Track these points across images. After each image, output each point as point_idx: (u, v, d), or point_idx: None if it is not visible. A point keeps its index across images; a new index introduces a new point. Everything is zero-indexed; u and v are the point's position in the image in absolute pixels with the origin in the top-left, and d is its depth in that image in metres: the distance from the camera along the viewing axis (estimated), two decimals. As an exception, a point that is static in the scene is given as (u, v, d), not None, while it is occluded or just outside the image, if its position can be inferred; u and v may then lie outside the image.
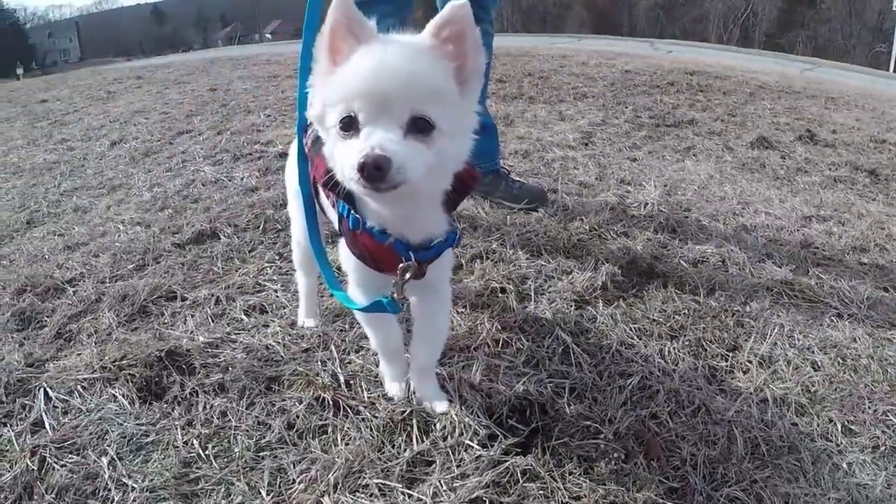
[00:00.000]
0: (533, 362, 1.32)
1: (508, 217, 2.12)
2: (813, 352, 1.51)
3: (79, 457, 1.13)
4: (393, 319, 1.14)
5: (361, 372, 1.26)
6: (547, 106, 4.35)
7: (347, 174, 0.80)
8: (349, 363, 1.30)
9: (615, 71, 5.75)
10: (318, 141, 1.01)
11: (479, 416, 1.08)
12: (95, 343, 1.48)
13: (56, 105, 4.88)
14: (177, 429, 1.18)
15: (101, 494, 1.04)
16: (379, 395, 1.20)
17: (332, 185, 0.88)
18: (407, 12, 1.99)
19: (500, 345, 1.36)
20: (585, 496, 0.96)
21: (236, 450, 1.12)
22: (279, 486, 1.02)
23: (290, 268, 1.69)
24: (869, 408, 1.33)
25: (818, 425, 1.27)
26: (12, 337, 1.54)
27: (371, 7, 0.95)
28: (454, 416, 1.10)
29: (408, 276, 0.94)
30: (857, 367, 1.47)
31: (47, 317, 1.62)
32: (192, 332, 1.48)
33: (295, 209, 1.33)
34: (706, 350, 1.49)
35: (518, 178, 2.37)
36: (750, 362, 1.44)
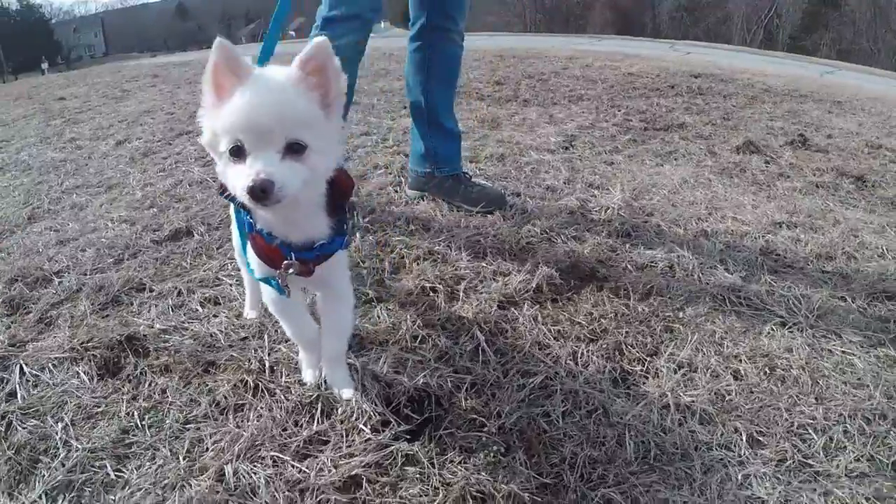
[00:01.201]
0: (445, 358, 1.46)
1: (464, 220, 2.28)
2: (740, 360, 1.55)
3: (39, 421, 1.34)
4: (304, 312, 1.33)
5: (284, 359, 1.44)
6: (539, 109, 4.48)
7: (239, 194, 0.98)
8: (276, 351, 1.48)
9: (618, 73, 5.83)
10: None
11: (376, 404, 1.24)
12: (69, 327, 1.69)
13: (72, 103, 5.21)
14: (123, 402, 1.38)
15: (50, 452, 1.25)
16: (295, 381, 1.37)
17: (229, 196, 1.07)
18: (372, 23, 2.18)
19: (417, 340, 1.51)
20: (455, 483, 1.09)
21: (167, 421, 1.31)
22: (195, 454, 1.21)
23: (246, 264, 1.88)
24: (786, 420, 1.35)
25: (721, 435, 1.30)
26: (1, 321, 1.77)
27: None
28: (354, 402, 1.27)
29: (291, 271, 1.11)
30: (785, 378, 1.50)
31: (33, 304, 1.84)
32: (152, 319, 1.69)
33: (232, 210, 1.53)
34: (623, 354, 1.56)
35: (479, 182, 2.48)
36: (666, 368, 1.50)
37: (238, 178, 0.97)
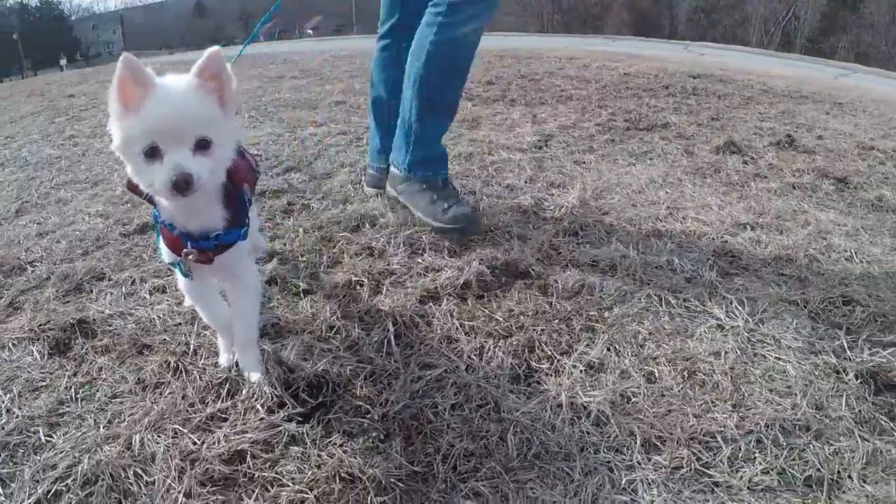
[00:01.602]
0: (353, 348, 1.58)
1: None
2: (658, 362, 1.57)
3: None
4: (217, 299, 1.49)
5: (207, 344, 1.60)
6: (524, 108, 4.58)
7: (159, 189, 1.14)
8: (202, 336, 1.64)
9: (614, 74, 5.89)
10: None
11: (275, 387, 1.38)
12: (32, 311, 1.88)
13: (80, 101, 5.48)
14: (64, 377, 1.55)
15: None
16: (212, 363, 1.53)
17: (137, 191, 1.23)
18: None
19: (332, 330, 1.64)
20: (328, 464, 1.21)
21: (97, 395, 1.48)
22: (113, 424, 1.38)
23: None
24: (693, 426, 1.35)
25: (614, 437, 1.32)
26: (-25, 305, 1.97)
27: None
28: (257, 384, 1.41)
29: (190, 258, 1.28)
30: (704, 383, 1.50)
31: (6, 290, 2.04)
32: (105, 305, 1.87)
33: None
34: (534, 351, 1.61)
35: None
36: (573, 367, 1.54)
37: (156, 174, 1.13)
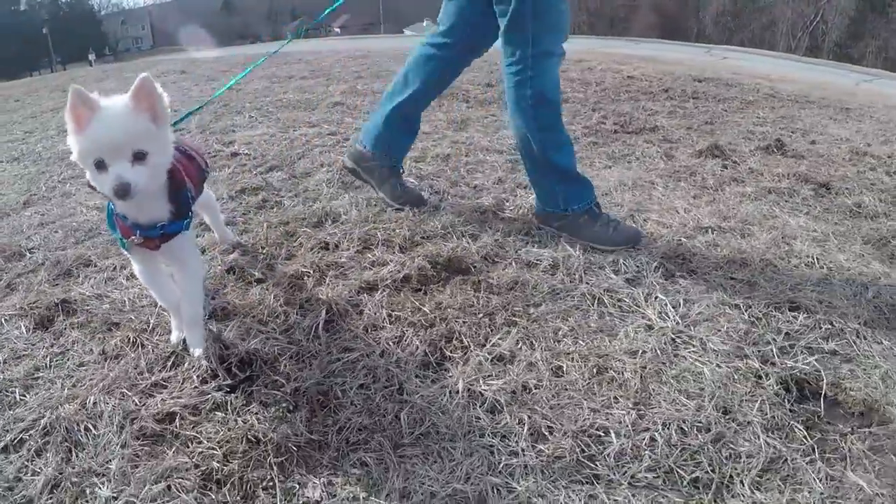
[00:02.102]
0: (288, 331, 1.80)
1: (374, 216, 2.64)
2: (571, 358, 1.67)
3: None
4: (167, 282, 1.74)
5: (165, 323, 1.86)
6: (517, 111, 4.76)
7: (106, 192, 1.41)
8: (161, 316, 1.90)
9: (617, 76, 6.01)
10: None
11: (211, 361, 1.61)
12: (25, 292, 2.17)
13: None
14: (43, 348, 1.82)
15: (-20, 381, 1.71)
16: (165, 339, 1.79)
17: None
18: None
19: (273, 315, 1.87)
20: (240, 427, 1.41)
21: (67, 364, 1.74)
22: (77, 388, 1.64)
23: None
24: (586, 419, 1.44)
25: (503, 424, 1.43)
26: (-23, 286, 2.27)
27: None
28: (197, 358, 1.65)
29: (135, 241, 1.55)
30: (613, 380, 1.59)
31: (5, 273, 2.34)
32: (86, 288, 2.15)
33: None
34: (451, 342, 1.75)
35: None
36: (482, 357, 1.67)
37: (104, 182, 1.38)
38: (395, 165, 2.75)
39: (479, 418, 1.45)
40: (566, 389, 1.56)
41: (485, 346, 1.74)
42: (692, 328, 1.81)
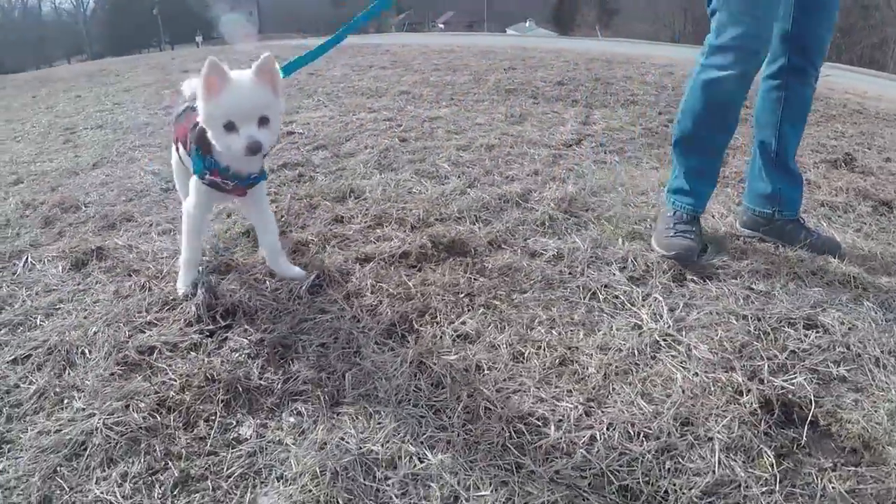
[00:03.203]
0: (276, 291, 1.95)
1: (397, 195, 2.76)
2: (538, 347, 1.68)
3: (21, 290, 2.09)
4: (201, 236, 2.00)
5: (173, 273, 2.08)
6: (582, 109, 4.74)
7: (235, 151, 1.65)
8: (174, 267, 2.13)
9: None
10: (179, 117, 2.02)
11: (199, 308, 1.79)
12: (70, 238, 2.49)
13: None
14: (69, 285, 2.10)
15: (13, 307, 1.98)
16: (172, 286, 1.99)
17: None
18: None
19: (270, 274, 2.05)
20: (204, 365, 1.57)
21: (86, 300, 2.00)
22: (88, 319, 1.88)
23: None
24: (531, 408, 1.45)
25: (442, 398, 1.48)
26: (35, 230, 2.62)
27: None
28: (186, 302, 1.86)
29: (230, 187, 1.85)
30: (573, 373, 1.58)
31: (60, 222, 2.68)
32: (122, 239, 2.42)
33: (181, 184, 2.18)
34: (423, 316, 1.81)
35: (813, 229, 2.43)
36: (445, 333, 1.73)
37: (234, 141, 1.65)
38: (794, 217, 2.45)
39: (420, 389, 1.50)
40: (520, 375, 1.56)
41: (454, 323, 1.79)
42: (683, 333, 1.74)
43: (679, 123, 2.36)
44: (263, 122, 1.66)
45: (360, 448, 1.33)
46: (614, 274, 2.10)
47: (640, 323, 1.80)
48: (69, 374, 1.63)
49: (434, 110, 4.58)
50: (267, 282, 2.01)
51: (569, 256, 2.22)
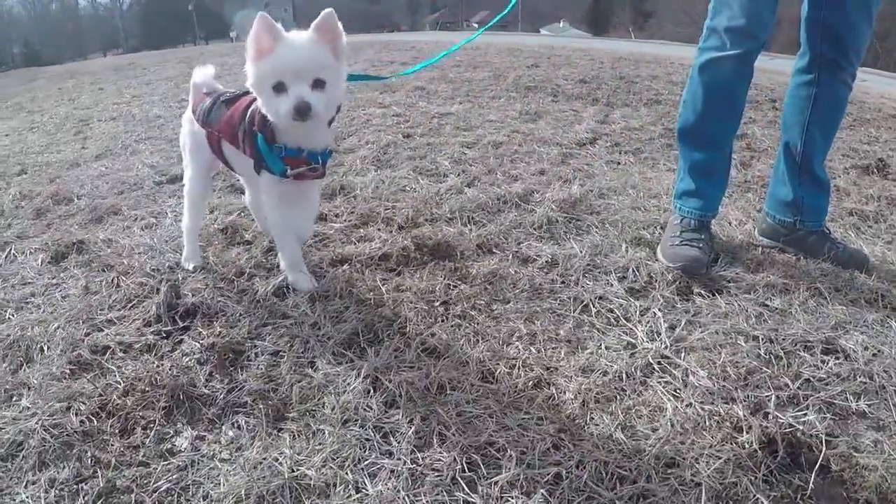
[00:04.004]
0: (242, 292, 1.88)
1: (389, 193, 2.67)
2: (512, 364, 1.55)
3: (0, 279, 2.07)
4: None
5: (138, 266, 2.04)
6: (602, 108, 4.58)
7: (283, 114, 1.53)
8: (141, 261, 2.08)
9: None
10: (210, 113, 1.88)
11: (160, 308, 1.76)
12: (55, 231, 2.47)
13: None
14: (44, 279, 2.07)
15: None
16: (139, 283, 1.95)
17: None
18: None
19: (240, 275, 1.98)
20: (151, 369, 1.53)
21: (56, 294, 1.96)
22: (51, 313, 1.83)
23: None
24: (491, 437, 1.31)
25: (394, 420, 1.36)
26: (26, 221, 2.61)
27: None
28: (150, 304, 1.81)
29: (301, 172, 1.74)
30: (548, 398, 1.43)
31: (50, 214, 2.67)
32: (105, 233, 2.39)
33: (188, 162, 2.06)
34: (391, 325, 1.70)
35: (839, 240, 2.25)
36: (409, 346, 1.61)
37: (282, 103, 1.53)
38: (818, 228, 2.27)
39: (370, 408, 1.38)
40: (487, 398, 1.41)
41: (422, 334, 1.67)
42: (681, 355, 1.57)
43: (681, 115, 2.23)
44: (318, 84, 1.53)
45: (293, 471, 1.23)
46: (611, 285, 1.95)
47: (633, 341, 1.64)
48: (24, 370, 1.59)
49: (446, 107, 4.47)
50: (235, 282, 1.94)
51: (563, 263, 2.07)
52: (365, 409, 1.40)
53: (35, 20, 60.38)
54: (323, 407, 1.41)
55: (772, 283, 1.94)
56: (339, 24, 1.56)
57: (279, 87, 1.52)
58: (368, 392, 1.45)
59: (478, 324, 1.74)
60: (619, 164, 3.29)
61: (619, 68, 6.45)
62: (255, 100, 1.72)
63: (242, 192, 2.67)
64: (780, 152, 2.28)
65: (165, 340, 1.67)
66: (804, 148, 2.18)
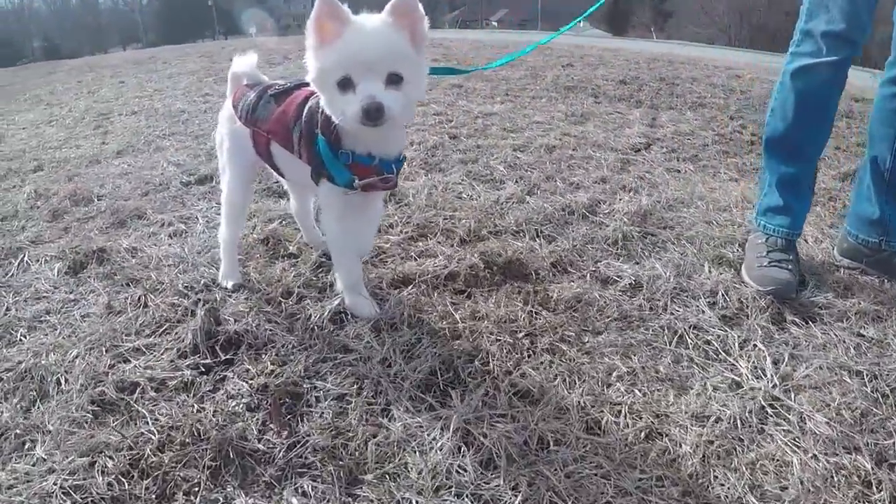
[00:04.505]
0: (293, 317, 1.61)
1: (444, 200, 2.38)
2: (617, 411, 1.34)
3: (9, 295, 1.78)
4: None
5: (170, 282, 1.75)
6: (648, 111, 4.28)
7: (350, 116, 1.24)
8: (173, 276, 1.80)
9: (766, 87, 5.28)
10: (255, 109, 1.55)
11: (197, 335, 1.48)
12: (73, 236, 2.19)
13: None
14: (61, 293, 1.79)
15: (10, 295, 1.74)
16: (170, 302, 1.66)
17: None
18: None
19: (288, 296, 1.69)
20: (191, 416, 1.26)
21: (74, 313, 1.68)
22: (70, 337, 1.55)
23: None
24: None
25: (496, 485, 1.12)
26: (42, 223, 2.34)
27: None
28: (182, 330, 1.51)
29: (389, 184, 1.46)
30: (663, 451, 1.24)
31: (68, 216, 2.39)
32: (128, 240, 2.11)
33: (226, 165, 1.73)
34: (472, 362, 1.45)
35: None
36: (499, 390, 1.35)
37: (349, 104, 1.23)
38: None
39: (465, 471, 1.14)
40: (596, 453, 1.20)
41: (511, 374, 1.41)
42: (792, 396, 1.39)
43: (768, 123, 2.05)
44: (394, 80, 1.25)
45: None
46: (703, 311, 1.72)
47: (738, 379, 1.44)
48: (38, 408, 1.32)
49: (488, 106, 4.19)
50: (283, 305, 1.65)
51: (648, 286, 1.84)
52: (459, 472, 1.13)
53: (55, 14, 60.46)
54: (407, 469, 1.14)
55: (863, 311, 1.75)
56: (420, 6, 1.27)
57: (345, 84, 1.24)
58: (460, 449, 1.18)
59: (570, 360, 1.50)
60: (678, 171, 3.01)
61: (656, 69, 6.15)
62: (312, 93, 1.43)
63: (282, 196, 2.40)
64: (865, 167, 2.05)
65: (205, 377, 1.38)
66: (893, 163, 1.96)
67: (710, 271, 1.95)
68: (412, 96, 1.31)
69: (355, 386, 1.34)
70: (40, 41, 52.35)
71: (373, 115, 1.20)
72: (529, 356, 1.50)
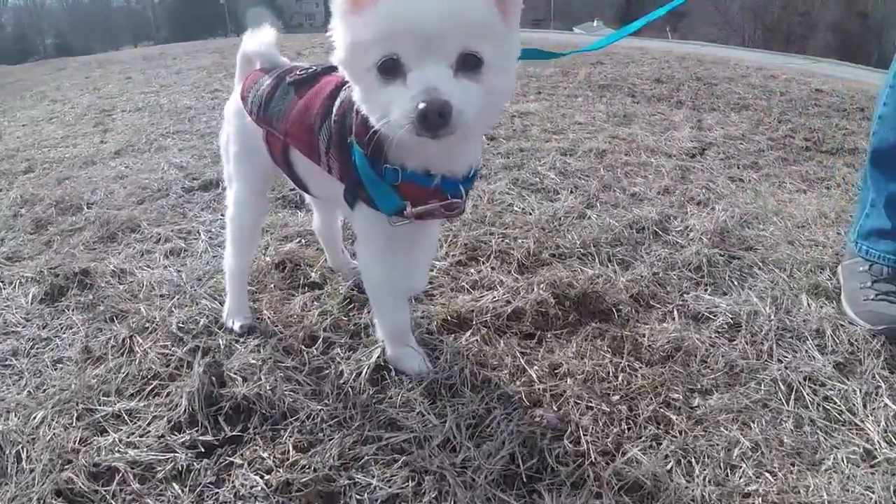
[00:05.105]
0: (318, 373, 1.26)
1: (493, 214, 2.00)
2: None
3: None
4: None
5: (162, 321, 1.39)
6: (691, 112, 3.90)
7: (398, 121, 0.79)
8: (167, 312, 1.43)
9: (805, 89, 4.88)
10: (271, 103, 1.11)
11: (194, 401, 1.11)
12: (55, 253, 1.83)
13: (244, 62, 5.88)
14: (34, 327, 1.44)
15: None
16: (161, 345, 1.30)
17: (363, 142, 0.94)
18: None
19: (311, 342, 1.33)
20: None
21: (46, 357, 1.32)
22: (38, 390, 1.19)
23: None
24: None
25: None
26: (23, 236, 1.98)
27: None
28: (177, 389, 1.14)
29: (455, 211, 1.00)
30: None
31: (53, 227, 2.04)
32: (117, 259, 1.74)
33: (233, 174, 1.30)
34: (559, 440, 1.09)
35: None
36: (607, 484, 1.01)
37: (396, 100, 0.79)
38: None
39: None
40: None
41: (614, 460, 1.05)
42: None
43: (875, 134, 1.71)
44: (469, 64, 0.80)
45: None
46: (814, 358, 1.40)
47: (869, 447, 1.16)
48: (-13, 497, 0.95)
49: (523, 104, 3.82)
50: (306, 356, 1.27)
51: (747, 325, 1.49)
52: None
53: (68, 11, 60.29)
54: None
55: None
56: None
57: (391, 68, 0.79)
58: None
59: (681, 433, 1.15)
60: (742, 181, 2.63)
61: (689, 68, 5.77)
62: (346, 81, 0.96)
63: (300, 207, 2.04)
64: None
65: (205, 461, 1.01)
66: None
67: (808, 305, 1.60)
68: (497, 90, 0.86)
69: (411, 482, 0.96)
70: (52, 38, 52.31)
71: (433, 121, 0.76)
72: (629, 428, 1.13)
